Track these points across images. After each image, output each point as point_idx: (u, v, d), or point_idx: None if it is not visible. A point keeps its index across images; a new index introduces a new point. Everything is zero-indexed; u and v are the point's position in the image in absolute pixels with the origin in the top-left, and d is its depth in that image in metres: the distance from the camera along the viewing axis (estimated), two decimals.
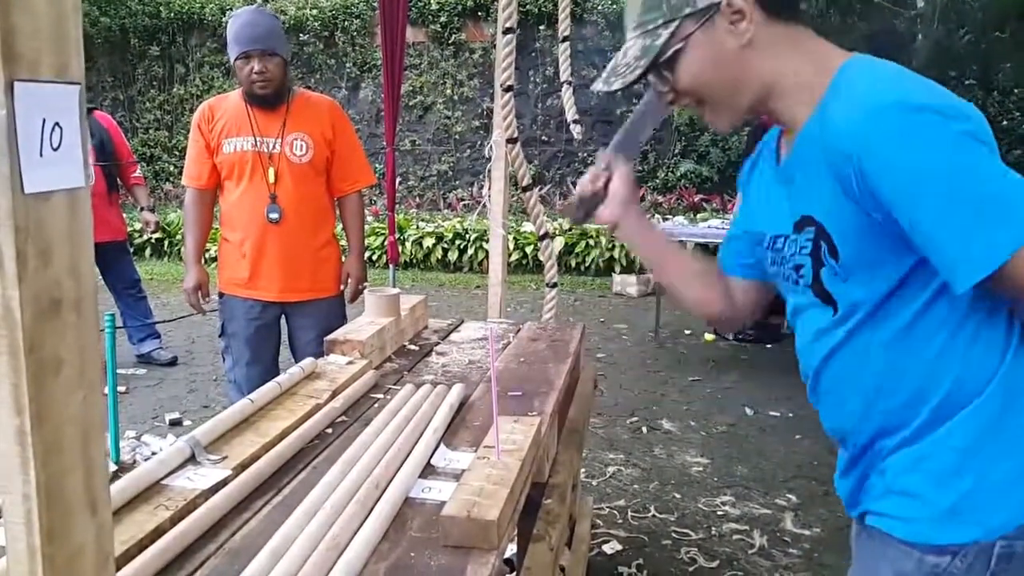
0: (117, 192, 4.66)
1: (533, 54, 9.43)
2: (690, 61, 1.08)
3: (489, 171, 2.63)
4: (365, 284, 2.82)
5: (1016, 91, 9.27)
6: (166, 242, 8.12)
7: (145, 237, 7.72)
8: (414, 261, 8.01)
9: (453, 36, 9.76)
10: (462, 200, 9.37)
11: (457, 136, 9.81)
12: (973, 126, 0.95)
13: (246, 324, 2.72)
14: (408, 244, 7.98)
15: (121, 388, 4.07)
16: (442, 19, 9.71)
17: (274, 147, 2.62)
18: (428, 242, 7.98)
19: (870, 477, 1.14)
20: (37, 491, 0.61)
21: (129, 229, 5.20)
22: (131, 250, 5.31)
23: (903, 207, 0.95)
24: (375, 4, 9.77)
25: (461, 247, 7.97)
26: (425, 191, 9.79)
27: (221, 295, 2.79)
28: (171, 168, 9.85)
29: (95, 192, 4.40)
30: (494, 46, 10.40)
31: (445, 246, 8.00)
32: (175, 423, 3.78)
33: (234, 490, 1.22)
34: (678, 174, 9.27)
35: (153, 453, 3.40)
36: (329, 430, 1.55)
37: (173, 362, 4.81)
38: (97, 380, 0.67)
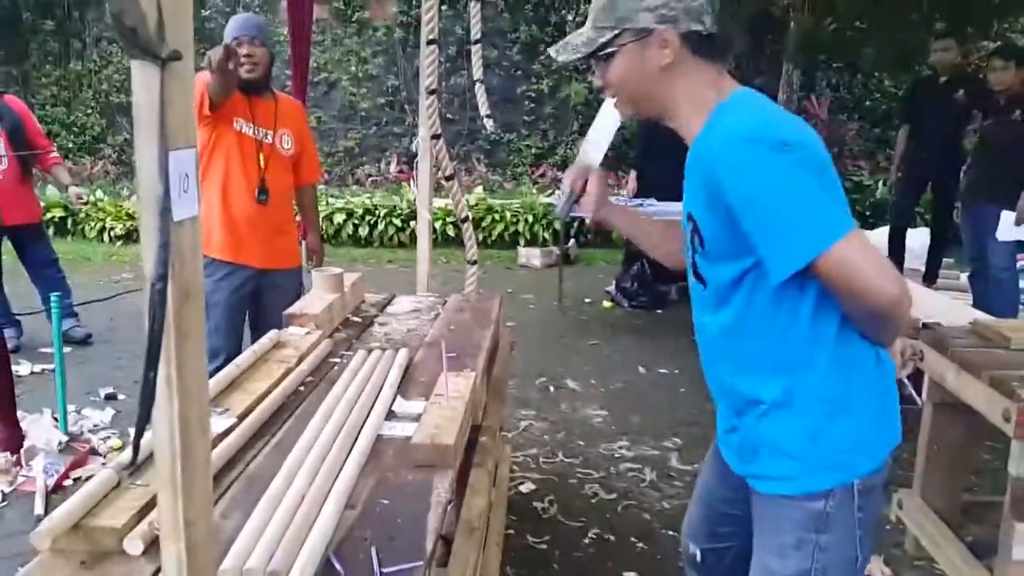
0: (31, 176, 4.71)
1: None
2: (620, 64, 1.34)
3: (416, 163, 2.97)
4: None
5: (876, 75, 10.18)
6: (69, 221, 7.99)
7: (80, 212, 7.77)
8: (325, 237, 8.14)
9: (356, 14, 9.86)
10: (370, 176, 9.56)
11: (363, 113, 9.96)
12: (801, 155, 1.20)
13: (229, 294, 3.03)
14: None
15: (50, 365, 4.19)
16: None
17: (266, 137, 3.00)
18: (339, 218, 8.15)
19: (747, 441, 1.42)
20: (179, 417, 0.94)
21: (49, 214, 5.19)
22: (47, 231, 5.33)
23: (743, 216, 1.23)
24: None
25: (371, 223, 8.19)
26: (332, 167, 9.90)
27: (211, 260, 3.02)
28: (69, 144, 9.59)
29: (9, 177, 4.44)
30: (399, 24, 10.44)
31: (356, 222, 8.19)
32: (110, 397, 3.96)
33: (243, 431, 1.55)
34: (576, 151, 9.75)
35: (95, 425, 3.59)
36: (302, 388, 1.88)
37: (87, 340, 4.89)
38: (202, 347, 0.99)
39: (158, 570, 1.09)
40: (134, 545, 1.14)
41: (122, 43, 0.82)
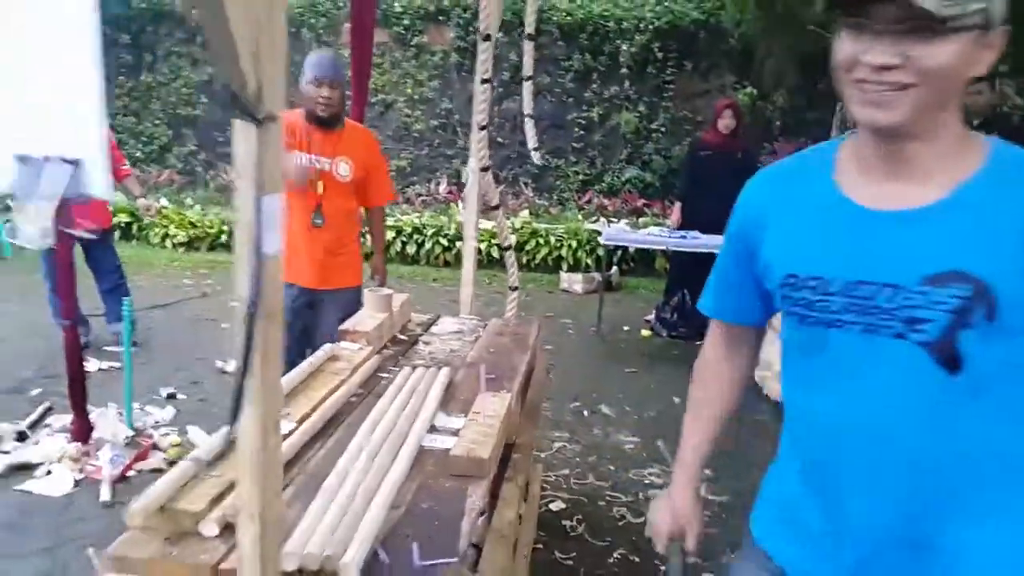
0: None
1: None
2: (954, 49, 1.01)
3: (464, 194, 3.16)
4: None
5: None
6: (135, 226, 8.39)
7: (147, 221, 8.11)
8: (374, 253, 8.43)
9: (415, 38, 10.18)
10: (420, 196, 9.82)
11: (416, 134, 10.25)
12: None
13: (287, 308, 3.23)
14: (368, 238, 8.38)
15: (115, 363, 4.46)
16: (405, 22, 10.13)
17: (323, 165, 3.22)
18: (387, 236, 8.41)
19: (953, 567, 1.09)
20: (260, 417, 1.12)
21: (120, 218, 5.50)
22: (115, 237, 5.65)
23: None
24: (340, 3, 10.13)
25: (419, 241, 8.42)
26: None
27: None
28: (138, 153, 10.07)
29: None
30: (455, 49, 10.69)
31: (404, 239, 8.44)
32: (171, 396, 4.21)
33: (302, 433, 1.73)
34: (623, 179, 9.88)
35: (156, 422, 3.83)
36: (353, 399, 2.06)
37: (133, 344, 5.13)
38: (280, 360, 1.17)
39: (230, 549, 1.27)
40: (209, 528, 1.32)
41: (227, 104, 1.01)
